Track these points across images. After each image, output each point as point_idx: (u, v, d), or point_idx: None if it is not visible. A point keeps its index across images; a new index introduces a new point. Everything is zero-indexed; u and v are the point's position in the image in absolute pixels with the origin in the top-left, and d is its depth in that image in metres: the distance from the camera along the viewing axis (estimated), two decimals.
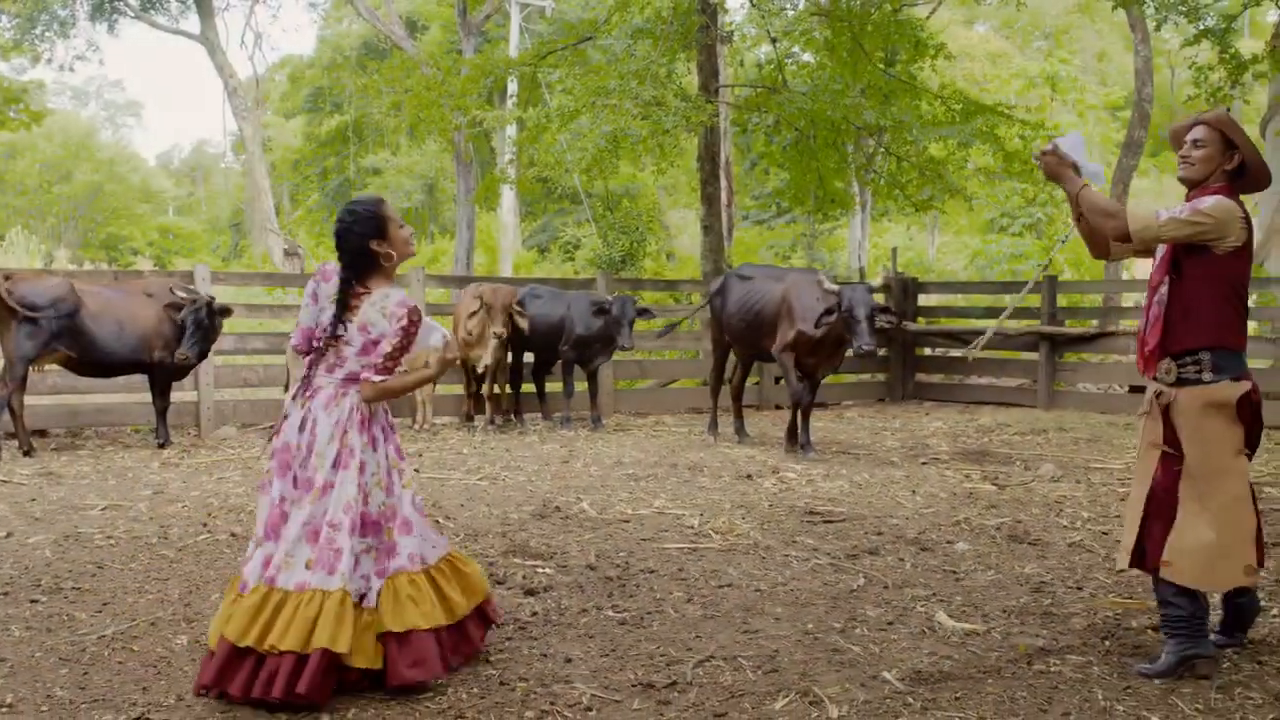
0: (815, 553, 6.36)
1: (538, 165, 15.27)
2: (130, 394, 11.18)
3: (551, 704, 4.04)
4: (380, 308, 4.14)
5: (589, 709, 4.01)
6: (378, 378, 4.13)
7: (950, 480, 8.84)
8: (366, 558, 4.13)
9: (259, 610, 3.96)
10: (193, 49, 56.63)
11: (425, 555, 4.28)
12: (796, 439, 10.37)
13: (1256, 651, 4.67)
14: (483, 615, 4.47)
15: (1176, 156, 4.60)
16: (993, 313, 15.66)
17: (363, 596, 4.09)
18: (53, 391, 11.07)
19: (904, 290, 15.45)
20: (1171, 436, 4.47)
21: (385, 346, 4.12)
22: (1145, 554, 4.51)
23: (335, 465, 4.09)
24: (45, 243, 39.06)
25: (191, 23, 37.61)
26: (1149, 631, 4.93)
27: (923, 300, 16.07)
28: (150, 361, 10.12)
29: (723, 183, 22.77)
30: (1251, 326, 11.24)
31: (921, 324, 15.73)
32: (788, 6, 14.92)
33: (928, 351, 15.97)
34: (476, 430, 11.68)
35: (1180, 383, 4.43)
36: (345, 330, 4.16)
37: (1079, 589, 5.65)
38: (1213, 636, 4.59)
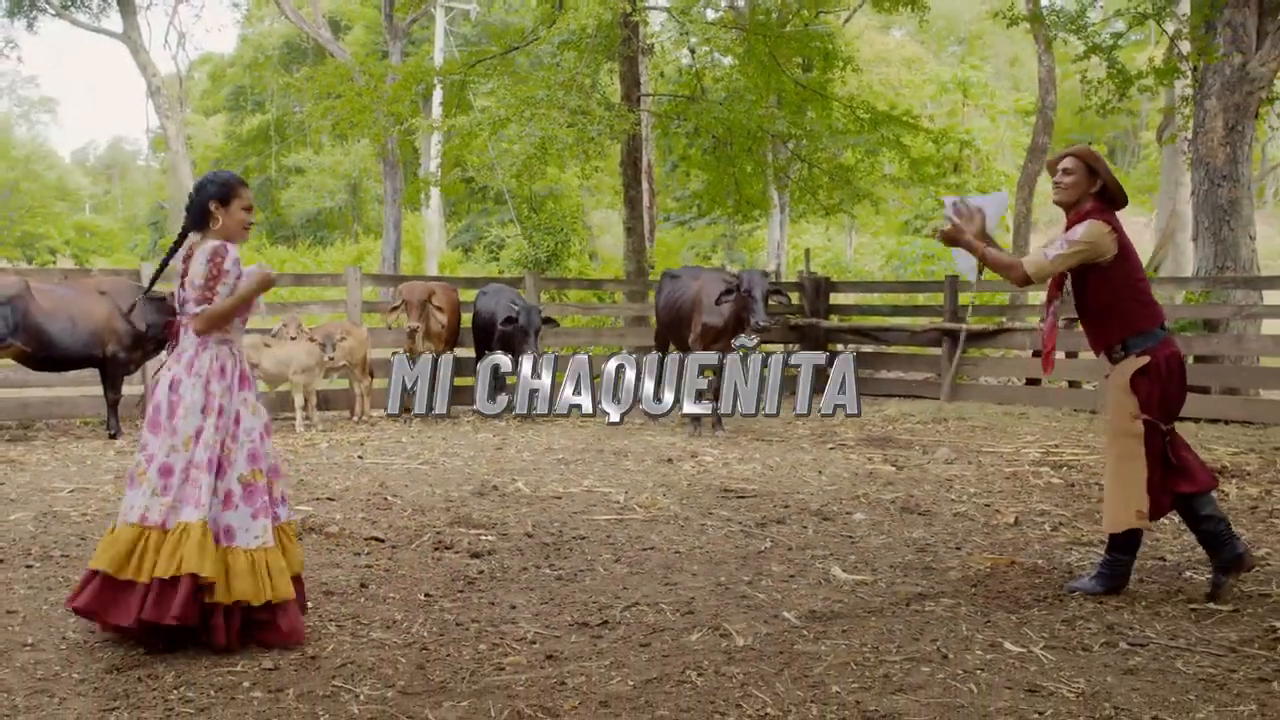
0: (729, 522, 7.13)
1: (468, 166, 15.87)
2: (79, 387, 11.66)
3: (501, 638, 4.74)
4: (199, 260, 4.69)
5: (533, 642, 4.71)
6: (199, 308, 4.67)
7: (854, 462, 9.65)
8: (240, 497, 4.66)
9: (133, 545, 4.49)
10: (112, 46, 56.23)
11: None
12: (701, 420, 11.52)
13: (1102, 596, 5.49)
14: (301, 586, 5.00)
15: (1051, 182, 5.57)
16: (899, 310, 16.60)
17: (230, 533, 4.62)
18: (3, 385, 11.52)
19: (817, 289, 16.30)
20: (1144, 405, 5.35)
21: (198, 280, 4.66)
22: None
23: (203, 412, 4.62)
24: None
25: (113, 21, 37.57)
26: (1013, 579, 5.73)
27: (835, 299, 16.92)
28: (102, 356, 10.63)
29: (645, 186, 23.55)
30: None
31: (835, 321, 16.59)
32: (705, 16, 15.61)
33: (839, 347, 16.82)
34: (413, 421, 12.28)
35: (1111, 361, 5.46)
36: (184, 290, 4.75)
37: (958, 549, 6.46)
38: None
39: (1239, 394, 12.92)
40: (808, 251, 17.96)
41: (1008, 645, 4.70)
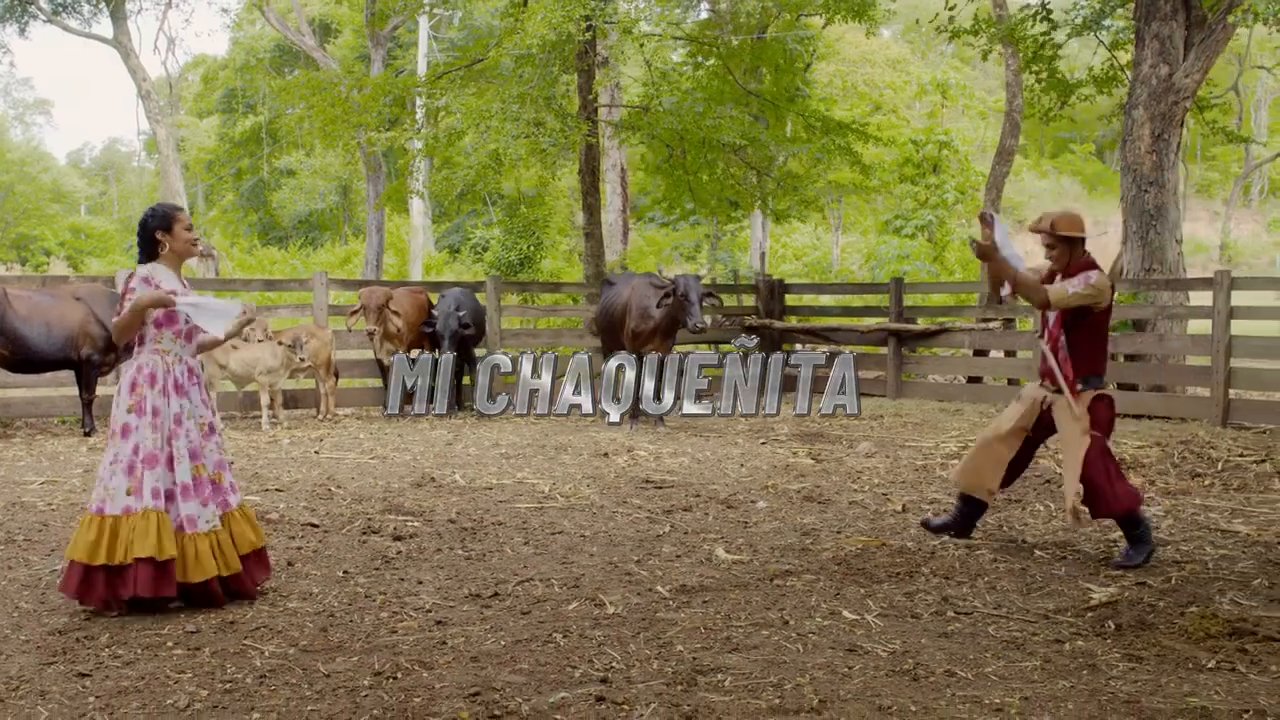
0: (638, 510, 7.79)
1: (452, 168, 16.41)
2: (56, 388, 12.32)
3: (401, 608, 5.41)
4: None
5: (429, 611, 5.38)
6: (114, 319, 5.43)
7: (778, 456, 10.31)
8: (190, 487, 5.32)
9: (99, 535, 5.17)
10: (105, 49, 56.86)
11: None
12: (638, 415, 12.34)
13: (943, 570, 6.15)
14: (261, 558, 5.70)
15: (1042, 245, 6.56)
16: (850, 311, 17.26)
17: (191, 521, 5.29)
18: None
19: (771, 291, 16.96)
20: (1039, 425, 6.63)
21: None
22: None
23: (129, 412, 5.31)
24: None
25: (104, 26, 38.18)
26: (877, 558, 6.39)
27: (789, 300, 17.58)
28: (77, 358, 11.29)
29: (618, 189, 24.22)
30: None
31: (792, 321, 17.27)
32: (659, 30, 16.25)
33: (799, 348, 17.47)
34: (377, 419, 12.95)
35: (1058, 392, 6.44)
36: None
37: (839, 533, 7.12)
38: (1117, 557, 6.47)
39: (1164, 391, 13.56)
40: (763, 255, 18.64)
41: (845, 613, 5.37)
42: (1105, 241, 29.89)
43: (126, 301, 5.35)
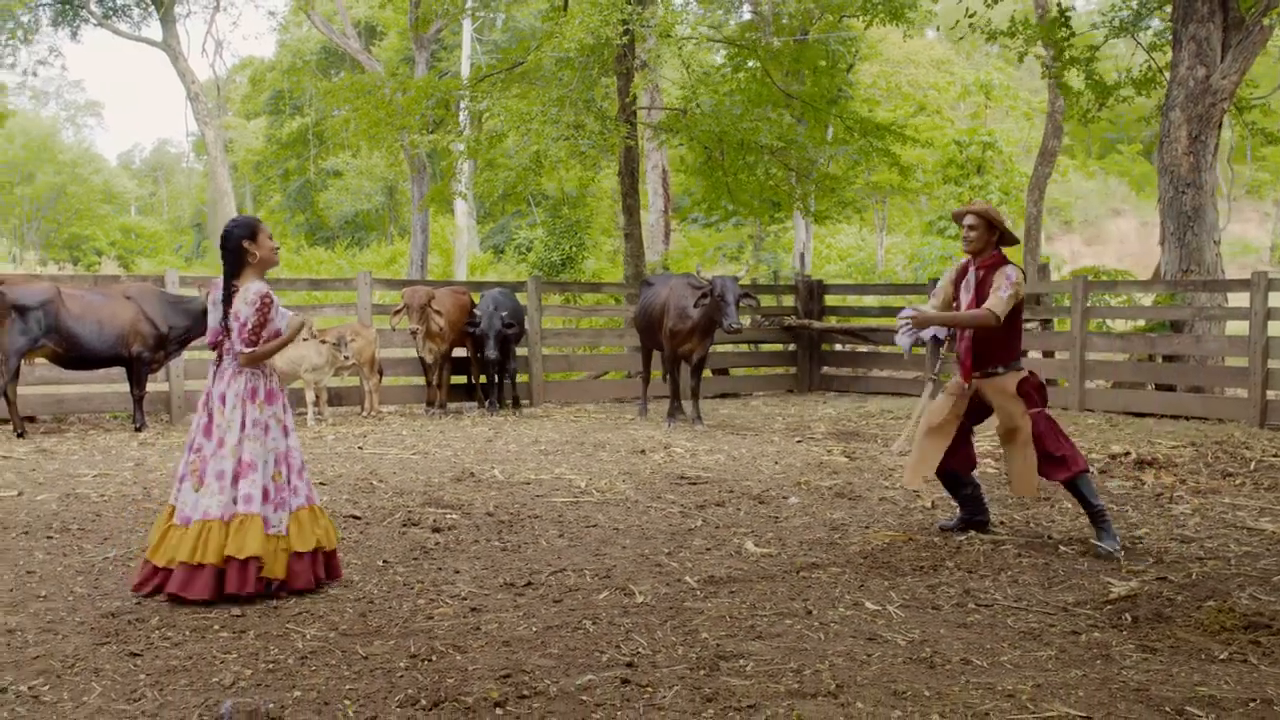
0: (672, 505, 7.97)
1: (496, 169, 16.62)
2: (109, 384, 12.64)
3: (438, 595, 5.61)
4: (244, 298, 5.64)
5: (465, 598, 5.57)
6: (247, 349, 5.61)
7: (813, 453, 10.46)
8: (273, 493, 5.58)
9: (211, 535, 5.39)
10: (154, 52, 57.64)
11: (310, 496, 5.80)
12: (676, 414, 12.63)
13: (967, 564, 6.28)
14: (330, 557, 5.88)
15: (961, 231, 6.94)
16: (890, 311, 17.33)
17: (266, 522, 5.54)
18: (40, 382, 12.51)
19: (810, 291, 17.09)
20: (970, 411, 7.00)
21: (247, 323, 5.60)
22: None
23: (240, 427, 5.55)
24: (13, 245, 40.18)
25: (153, 29, 38.83)
26: (903, 552, 6.54)
27: (829, 300, 17.71)
28: (128, 356, 11.60)
29: (659, 190, 24.40)
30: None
31: (832, 321, 17.40)
32: (695, 33, 16.39)
33: (838, 347, 17.59)
34: (420, 416, 13.21)
35: (985, 377, 6.88)
36: (229, 322, 5.67)
37: (867, 528, 7.26)
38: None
39: (1202, 392, 13.58)
40: (802, 256, 18.76)
41: (868, 604, 5.52)
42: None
43: (265, 328, 5.59)
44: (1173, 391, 13.62)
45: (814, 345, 17.11)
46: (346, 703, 4.17)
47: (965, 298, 6.91)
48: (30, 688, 4.31)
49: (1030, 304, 15.79)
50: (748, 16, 27.24)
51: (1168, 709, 4.18)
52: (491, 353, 13.11)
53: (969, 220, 6.83)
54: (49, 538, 6.80)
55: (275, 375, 5.85)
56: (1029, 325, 15.42)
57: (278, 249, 5.84)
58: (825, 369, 17.27)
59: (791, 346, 16.92)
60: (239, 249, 5.67)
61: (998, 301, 6.64)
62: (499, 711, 4.10)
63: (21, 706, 4.14)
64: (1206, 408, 13.12)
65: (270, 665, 4.57)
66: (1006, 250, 6.98)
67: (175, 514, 5.55)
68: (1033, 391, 6.79)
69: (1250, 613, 5.28)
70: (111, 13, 38.39)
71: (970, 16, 16.04)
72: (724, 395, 16.17)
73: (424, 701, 4.17)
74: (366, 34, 45.22)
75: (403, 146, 17.69)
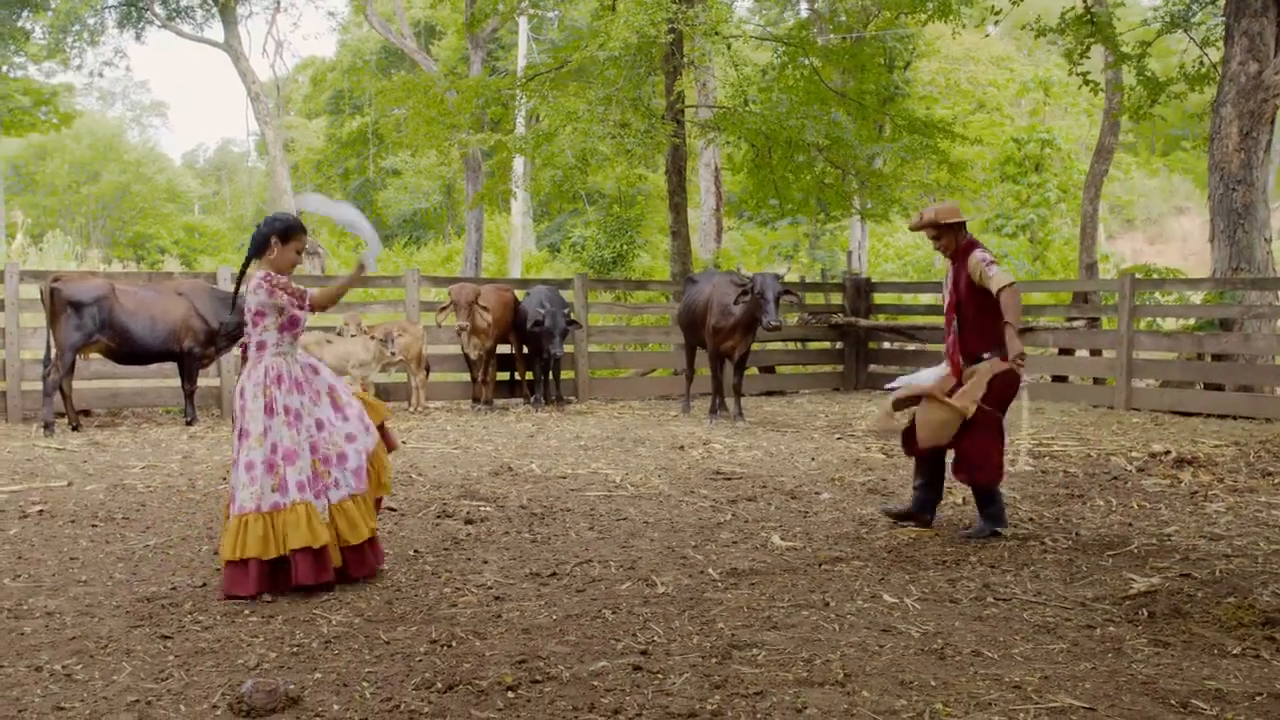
0: (704, 499, 8.06)
1: (552, 168, 16.71)
2: (162, 379, 12.92)
3: (464, 584, 5.74)
4: (249, 287, 5.71)
5: (490, 588, 5.70)
6: (318, 294, 5.79)
7: (851, 450, 10.50)
8: (308, 479, 5.59)
9: (248, 529, 5.44)
10: (216, 53, 58.43)
11: (355, 485, 5.80)
12: (718, 410, 12.77)
13: (990, 559, 6.32)
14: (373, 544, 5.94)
15: (928, 237, 7.10)
16: (937, 310, 17.30)
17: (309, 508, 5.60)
18: (96, 376, 12.82)
19: (858, 290, 17.10)
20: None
21: (254, 308, 5.63)
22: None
23: (267, 413, 5.58)
24: (78, 243, 40.89)
25: (215, 31, 39.39)
26: (927, 547, 6.59)
27: (878, 298, 17.71)
28: (180, 351, 11.86)
29: (711, 187, 24.46)
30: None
31: (880, 319, 17.40)
32: (740, 32, 16.43)
33: (886, 345, 17.57)
34: (465, 411, 13.39)
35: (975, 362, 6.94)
36: (242, 314, 5.76)
37: (895, 523, 7.31)
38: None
39: (1251, 391, 13.45)
40: (849, 254, 18.76)
41: (886, 597, 5.58)
42: None
43: (274, 299, 5.63)
44: (1221, 391, 13.51)
45: (861, 343, 17.11)
46: (364, 684, 4.31)
47: (947, 292, 7.11)
48: (64, 666, 4.49)
49: (1078, 302, 15.72)
50: (805, 14, 27.24)
51: (1173, 701, 4.22)
52: (557, 350, 13.23)
53: (929, 232, 7.01)
54: (94, 526, 7.02)
55: (312, 364, 5.84)
56: (1076, 323, 15.34)
57: (297, 263, 5.84)
58: (872, 367, 17.26)
59: (839, 344, 16.93)
60: (264, 241, 5.71)
61: (998, 278, 6.71)
62: (510, 695, 4.21)
63: (55, 684, 4.31)
64: (1255, 407, 13.00)
65: (295, 648, 4.72)
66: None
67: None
68: (1001, 390, 6.88)
69: (1270, 609, 5.28)
70: (175, 14, 38.96)
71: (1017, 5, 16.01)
72: (769, 393, 16.22)
73: (439, 685, 4.30)
74: (426, 33, 45.61)
75: (455, 145, 17.86)
